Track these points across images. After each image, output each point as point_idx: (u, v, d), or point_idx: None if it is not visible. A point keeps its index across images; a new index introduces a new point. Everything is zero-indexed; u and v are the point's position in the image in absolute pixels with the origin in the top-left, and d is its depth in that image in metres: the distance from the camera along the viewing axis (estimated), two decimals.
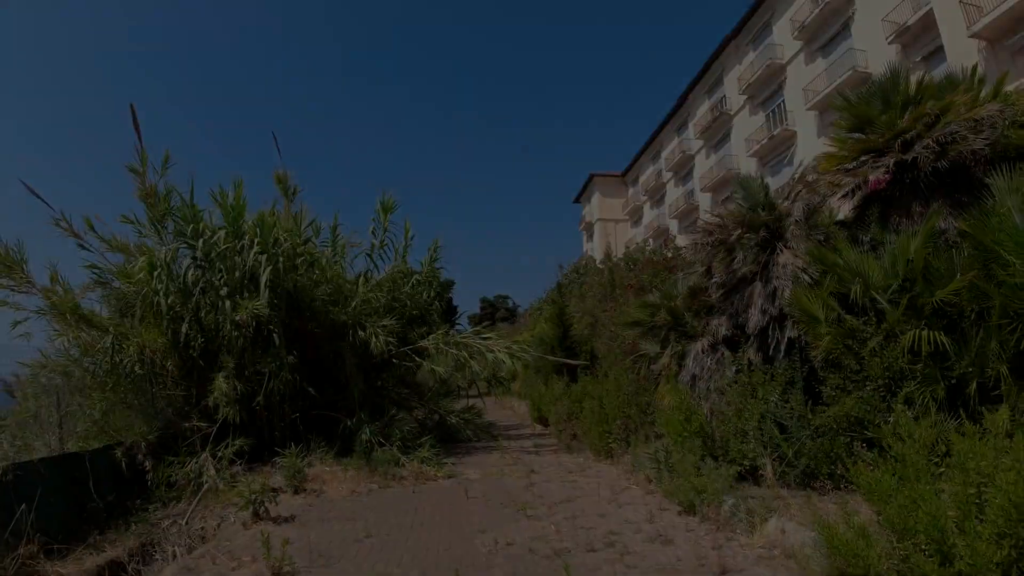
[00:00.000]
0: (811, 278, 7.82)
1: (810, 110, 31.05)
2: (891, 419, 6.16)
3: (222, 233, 10.70)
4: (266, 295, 10.08)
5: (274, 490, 9.13)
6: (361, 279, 13.23)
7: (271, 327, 10.76)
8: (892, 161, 7.55)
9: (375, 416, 11.61)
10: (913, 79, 8.23)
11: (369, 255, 13.50)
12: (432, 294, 15.17)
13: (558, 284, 22.60)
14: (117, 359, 10.91)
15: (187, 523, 8.98)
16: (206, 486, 9.64)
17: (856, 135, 8.60)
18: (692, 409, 7.89)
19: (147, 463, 10.21)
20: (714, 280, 9.03)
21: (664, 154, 50.02)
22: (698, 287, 9.58)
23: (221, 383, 10.38)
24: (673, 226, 46.74)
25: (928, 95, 8.08)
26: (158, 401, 11.22)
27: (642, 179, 55.20)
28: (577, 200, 67.55)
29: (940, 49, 23.17)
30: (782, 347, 8.04)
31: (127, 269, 11.70)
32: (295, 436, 11.86)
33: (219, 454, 10.60)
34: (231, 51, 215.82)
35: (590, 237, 62.36)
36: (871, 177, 7.71)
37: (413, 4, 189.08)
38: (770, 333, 8.15)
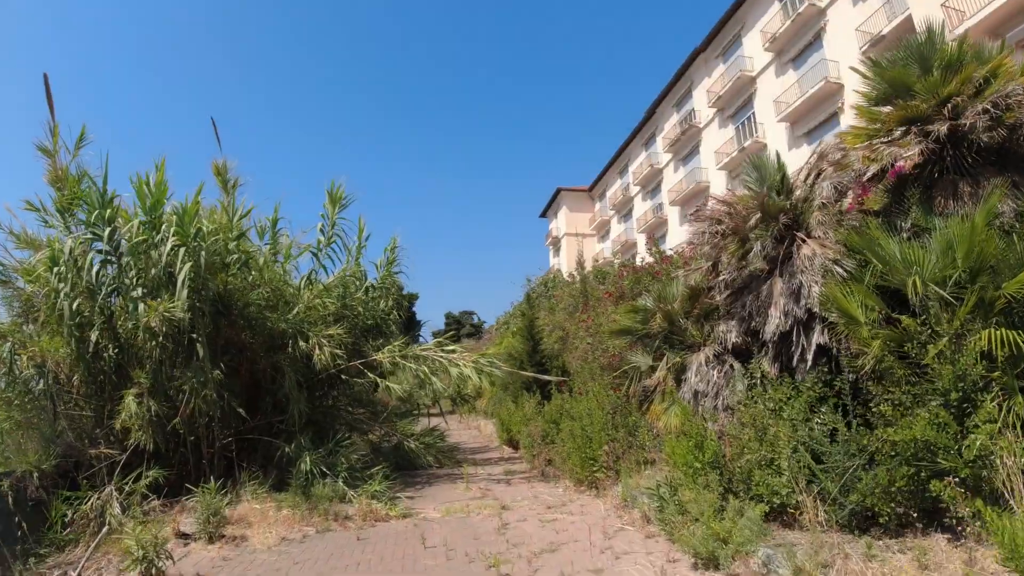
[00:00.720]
0: (845, 271, 6.49)
1: (781, 122, 30.56)
2: (967, 444, 4.84)
3: (136, 222, 8.92)
4: (184, 296, 8.33)
5: (184, 535, 7.40)
6: (304, 281, 11.46)
7: (194, 335, 9.02)
8: (944, 129, 6.28)
9: (320, 441, 9.90)
10: (950, 38, 7.02)
11: (315, 254, 11.69)
12: (390, 303, 13.51)
13: (527, 295, 21.09)
14: (16, 371, 9.17)
15: (79, 575, 7.22)
16: (105, 528, 7.85)
17: (886, 108, 7.35)
18: (704, 434, 6.41)
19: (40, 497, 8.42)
20: (721, 278, 7.63)
21: (632, 168, 49.38)
22: (699, 288, 8.17)
23: (131, 403, 8.60)
24: (640, 240, 45.96)
25: (969, 58, 6.88)
26: (59, 423, 9.39)
27: (609, 193, 54.49)
28: (543, 215, 66.57)
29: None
30: (809, 356, 6.68)
31: (30, 266, 9.91)
32: (227, 465, 10.13)
33: (129, 487, 8.82)
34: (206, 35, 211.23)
35: (557, 252, 61.32)
36: (914, 149, 6.42)
37: (379, 12, 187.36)
38: (794, 339, 6.78)
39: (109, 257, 9.22)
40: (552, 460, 11.14)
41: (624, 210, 51.27)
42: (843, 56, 26.58)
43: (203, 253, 8.64)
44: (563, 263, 53.81)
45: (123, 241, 9.25)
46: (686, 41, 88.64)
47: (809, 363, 6.64)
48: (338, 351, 9.72)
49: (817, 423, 5.94)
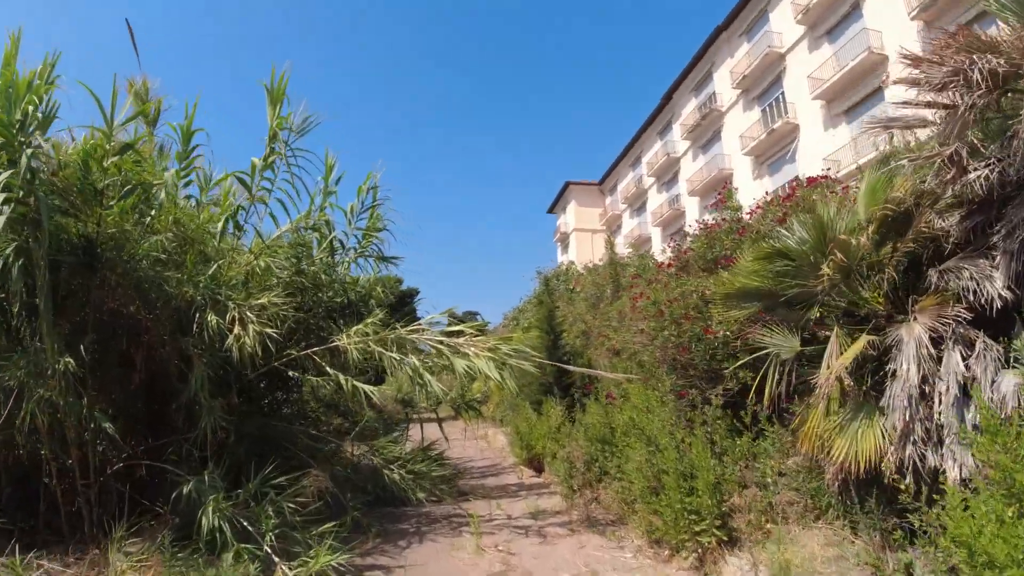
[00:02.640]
0: None
1: (816, 99, 27.86)
2: None
3: None
4: None
5: None
6: (226, 219, 7.41)
7: (36, 300, 5.44)
8: None
9: (239, 471, 6.25)
10: None
11: (245, 184, 7.42)
12: (373, 276, 9.83)
13: (545, 280, 17.52)
14: None
15: None
16: None
17: None
18: None
19: None
20: (975, 174, 3.94)
21: (645, 159, 46.22)
22: (909, 206, 4.44)
23: None
24: (656, 235, 42.76)
25: None
26: None
27: (621, 187, 51.34)
28: (551, 210, 63.29)
29: (981, 16, 19.78)
30: None
31: None
32: (123, 505, 6.55)
33: None
34: None
35: (565, 249, 58.02)
36: None
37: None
38: None
39: None
40: (600, 498, 7.55)
41: (637, 204, 48.15)
42: (888, 24, 24.04)
43: (28, 152, 4.94)
44: (574, 259, 50.59)
45: None
46: (704, 22, 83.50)
47: None
48: (272, 331, 5.99)
49: None
